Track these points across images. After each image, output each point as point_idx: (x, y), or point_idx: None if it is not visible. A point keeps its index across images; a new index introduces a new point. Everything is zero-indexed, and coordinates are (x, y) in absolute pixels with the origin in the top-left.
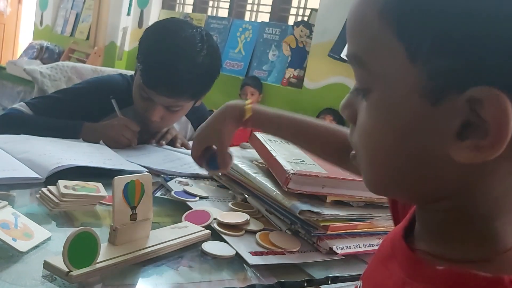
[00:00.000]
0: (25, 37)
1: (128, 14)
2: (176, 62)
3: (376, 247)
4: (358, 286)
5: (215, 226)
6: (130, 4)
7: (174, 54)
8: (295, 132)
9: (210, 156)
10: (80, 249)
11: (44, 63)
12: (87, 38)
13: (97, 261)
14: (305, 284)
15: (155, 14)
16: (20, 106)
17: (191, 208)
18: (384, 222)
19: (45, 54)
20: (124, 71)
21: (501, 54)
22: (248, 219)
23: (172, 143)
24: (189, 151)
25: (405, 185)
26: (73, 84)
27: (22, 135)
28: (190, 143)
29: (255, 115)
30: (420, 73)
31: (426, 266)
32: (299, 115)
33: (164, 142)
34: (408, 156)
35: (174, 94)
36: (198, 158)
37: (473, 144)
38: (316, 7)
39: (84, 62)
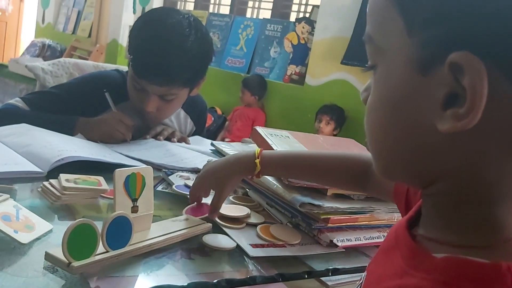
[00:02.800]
0: (27, 35)
1: (134, 12)
2: (164, 49)
3: (377, 240)
4: (362, 276)
5: (216, 219)
6: (135, 2)
7: (162, 41)
8: (303, 170)
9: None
10: (80, 241)
11: (46, 61)
12: (89, 36)
13: (98, 252)
14: (306, 276)
15: None
16: (16, 101)
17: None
18: (384, 215)
19: (47, 52)
20: (121, 67)
21: (484, 24)
22: (249, 212)
23: (169, 140)
24: (189, 145)
25: (404, 162)
26: (69, 79)
27: (22, 125)
28: (191, 138)
29: (264, 166)
30: (414, 44)
31: (426, 255)
32: (308, 151)
33: (162, 138)
34: (402, 128)
35: (165, 81)
36: (193, 196)
37: (453, 113)
38: (318, 3)
39: (86, 59)
